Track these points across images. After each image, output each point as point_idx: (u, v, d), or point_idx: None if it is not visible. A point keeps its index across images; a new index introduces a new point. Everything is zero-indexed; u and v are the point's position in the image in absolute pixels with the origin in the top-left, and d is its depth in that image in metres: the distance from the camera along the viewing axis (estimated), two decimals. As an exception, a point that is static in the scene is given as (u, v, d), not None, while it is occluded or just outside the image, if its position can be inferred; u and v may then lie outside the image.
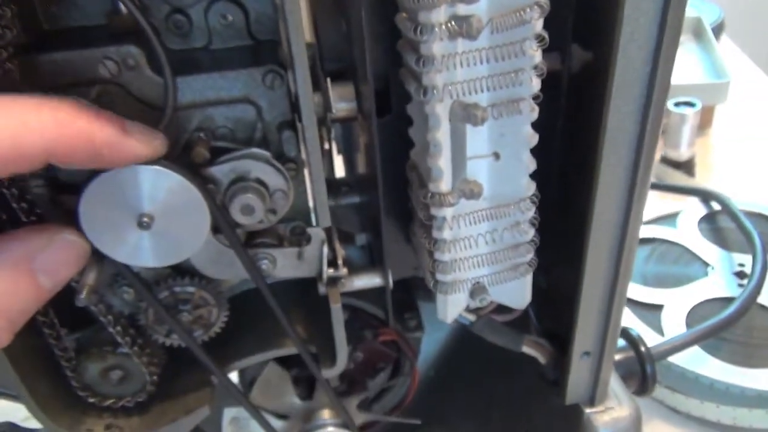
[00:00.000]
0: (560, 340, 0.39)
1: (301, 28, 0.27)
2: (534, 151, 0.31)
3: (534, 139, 0.30)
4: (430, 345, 0.54)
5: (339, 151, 0.48)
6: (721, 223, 0.73)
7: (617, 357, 0.44)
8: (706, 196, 0.76)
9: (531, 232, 0.33)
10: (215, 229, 0.31)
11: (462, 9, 0.26)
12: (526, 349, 0.40)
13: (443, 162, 0.30)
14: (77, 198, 0.27)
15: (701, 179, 0.86)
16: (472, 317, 0.38)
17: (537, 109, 0.29)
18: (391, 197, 0.36)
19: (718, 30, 1.14)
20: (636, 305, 0.63)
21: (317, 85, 0.31)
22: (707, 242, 0.70)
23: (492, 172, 0.31)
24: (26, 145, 0.23)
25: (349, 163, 0.49)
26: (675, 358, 0.55)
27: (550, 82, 0.29)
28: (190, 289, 0.34)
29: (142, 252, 0.29)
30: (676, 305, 0.62)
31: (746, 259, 0.66)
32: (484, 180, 0.31)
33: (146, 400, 0.37)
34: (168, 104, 0.29)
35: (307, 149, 0.30)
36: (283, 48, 0.30)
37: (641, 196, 0.32)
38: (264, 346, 0.38)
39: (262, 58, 0.31)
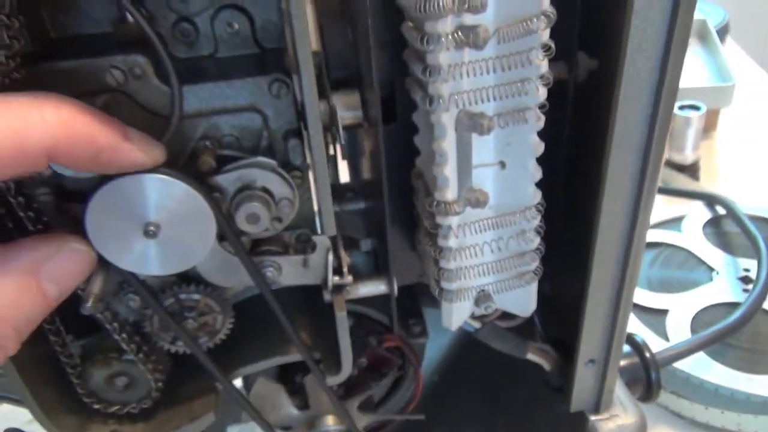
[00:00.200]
0: (565, 347, 0.39)
1: (307, 36, 0.27)
2: (540, 160, 0.31)
3: (540, 147, 0.30)
4: (434, 350, 0.54)
5: (344, 157, 0.48)
6: (726, 227, 0.73)
7: (622, 363, 0.44)
8: (710, 200, 0.75)
9: (536, 241, 0.33)
10: (221, 237, 0.31)
11: (469, 19, 0.26)
12: (531, 356, 0.40)
13: (449, 171, 0.30)
14: (83, 206, 0.27)
15: (706, 183, 0.86)
16: (476, 324, 0.38)
17: (543, 118, 0.29)
18: (396, 204, 0.36)
19: (722, 32, 1.14)
20: (640, 310, 0.63)
21: (323, 93, 0.31)
22: (712, 247, 0.70)
23: (498, 180, 0.31)
24: (29, 144, 0.23)
25: (354, 169, 0.49)
26: (680, 364, 0.55)
27: (556, 90, 0.29)
28: (196, 296, 0.34)
29: (148, 260, 0.29)
30: (681, 310, 0.62)
31: (751, 264, 0.66)
32: (490, 189, 0.31)
33: (151, 406, 0.37)
34: (174, 113, 0.29)
35: (313, 157, 0.30)
36: (289, 56, 0.30)
37: (648, 204, 0.32)
38: (269, 353, 0.38)
39: (268, 67, 0.31)
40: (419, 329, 0.43)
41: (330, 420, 0.42)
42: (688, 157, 0.86)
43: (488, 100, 0.28)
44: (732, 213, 0.70)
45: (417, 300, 0.45)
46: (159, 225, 0.28)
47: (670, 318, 0.61)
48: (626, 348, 0.45)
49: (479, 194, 0.30)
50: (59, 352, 0.33)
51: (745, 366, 0.56)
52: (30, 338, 0.27)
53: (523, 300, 0.35)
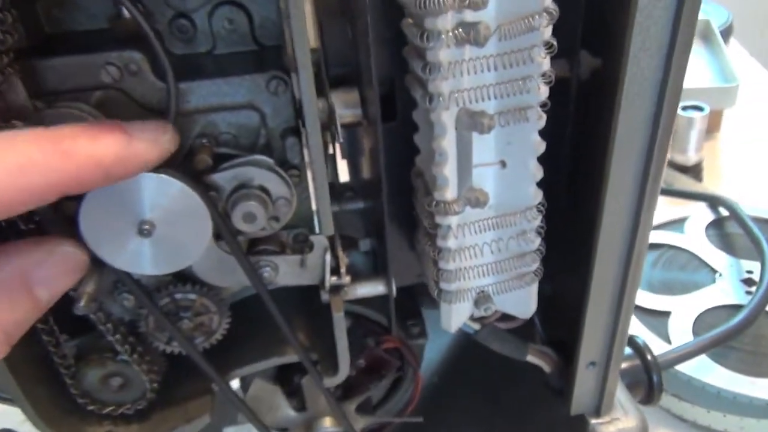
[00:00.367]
0: (566, 349, 0.39)
1: (305, 33, 0.26)
2: (541, 159, 0.30)
3: (541, 146, 0.30)
4: (433, 351, 0.54)
5: (343, 156, 0.48)
6: (729, 228, 0.72)
7: (623, 365, 0.43)
8: (713, 202, 0.75)
9: (537, 241, 0.32)
10: (217, 236, 0.31)
11: (469, 15, 0.25)
12: (531, 358, 0.40)
13: (449, 170, 0.29)
14: (77, 204, 0.27)
15: (709, 184, 0.85)
16: (476, 326, 0.37)
17: (544, 116, 0.29)
18: (395, 203, 0.36)
19: (726, 33, 1.14)
20: (642, 312, 0.62)
21: (322, 91, 0.31)
22: (715, 248, 0.70)
23: (498, 180, 0.30)
24: (34, 182, 0.22)
25: (354, 168, 0.49)
26: (682, 366, 0.55)
27: (558, 89, 0.28)
28: (192, 296, 0.34)
29: (142, 259, 0.29)
30: (683, 312, 0.62)
31: (754, 266, 0.66)
32: (490, 188, 0.30)
33: (146, 407, 0.36)
34: (171, 110, 0.29)
35: (311, 156, 0.30)
36: (287, 53, 0.30)
37: (651, 204, 0.32)
38: (265, 353, 0.38)
39: (266, 64, 0.30)
40: (418, 330, 0.43)
41: (327, 422, 0.41)
42: (691, 158, 0.85)
43: (489, 98, 0.27)
44: (735, 214, 0.70)
45: (416, 301, 0.45)
46: (154, 224, 0.28)
47: (672, 320, 0.61)
48: (627, 350, 0.45)
49: (479, 194, 0.30)
50: (53, 352, 0.33)
51: (747, 369, 0.56)
52: (23, 338, 0.26)
53: (523, 301, 0.35)
